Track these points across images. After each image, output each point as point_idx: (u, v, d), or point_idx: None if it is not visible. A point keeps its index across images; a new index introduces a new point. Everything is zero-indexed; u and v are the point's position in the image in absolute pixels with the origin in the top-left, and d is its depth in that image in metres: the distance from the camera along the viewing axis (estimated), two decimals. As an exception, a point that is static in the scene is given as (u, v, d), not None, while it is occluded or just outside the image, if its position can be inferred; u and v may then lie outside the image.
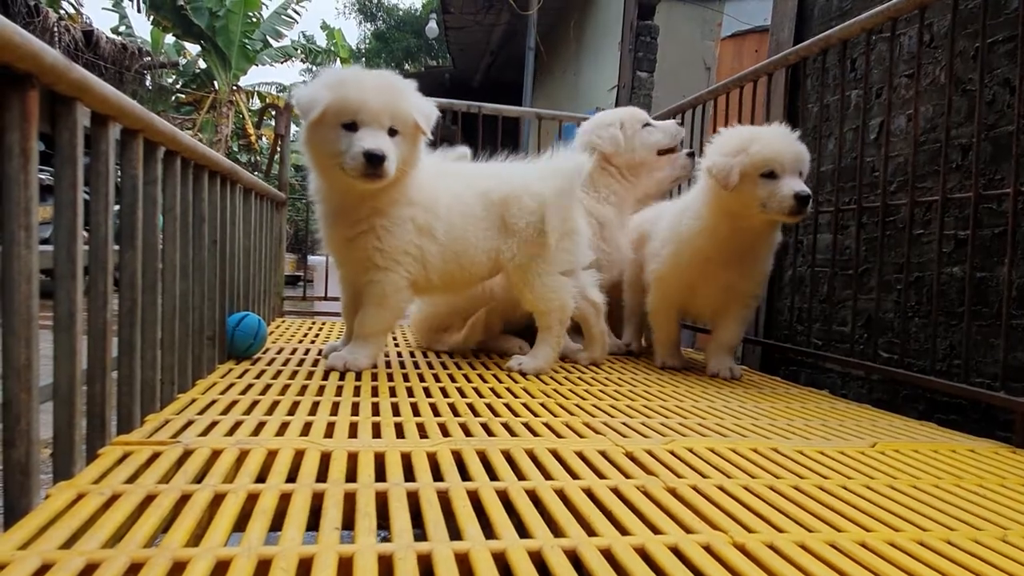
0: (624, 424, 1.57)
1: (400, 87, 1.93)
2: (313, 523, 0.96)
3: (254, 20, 16.17)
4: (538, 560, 0.87)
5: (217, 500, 0.99)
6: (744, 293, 2.36)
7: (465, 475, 1.17)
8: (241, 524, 0.94)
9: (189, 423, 1.37)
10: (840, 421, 1.81)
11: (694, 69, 7.65)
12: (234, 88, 16.52)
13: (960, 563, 0.94)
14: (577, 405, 1.75)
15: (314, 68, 23.66)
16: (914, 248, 2.58)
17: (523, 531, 0.96)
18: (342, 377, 1.92)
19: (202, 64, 17.13)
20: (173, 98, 17.31)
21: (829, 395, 2.31)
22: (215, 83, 16.62)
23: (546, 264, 2.17)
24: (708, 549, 0.92)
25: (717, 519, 1.03)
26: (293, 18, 16.68)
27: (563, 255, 2.21)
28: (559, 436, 1.44)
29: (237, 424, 1.38)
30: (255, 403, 1.57)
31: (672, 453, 1.36)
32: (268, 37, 16.69)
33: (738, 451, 1.41)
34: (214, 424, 1.37)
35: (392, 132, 1.87)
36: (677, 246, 2.37)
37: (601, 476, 1.20)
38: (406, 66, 22.99)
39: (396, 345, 2.67)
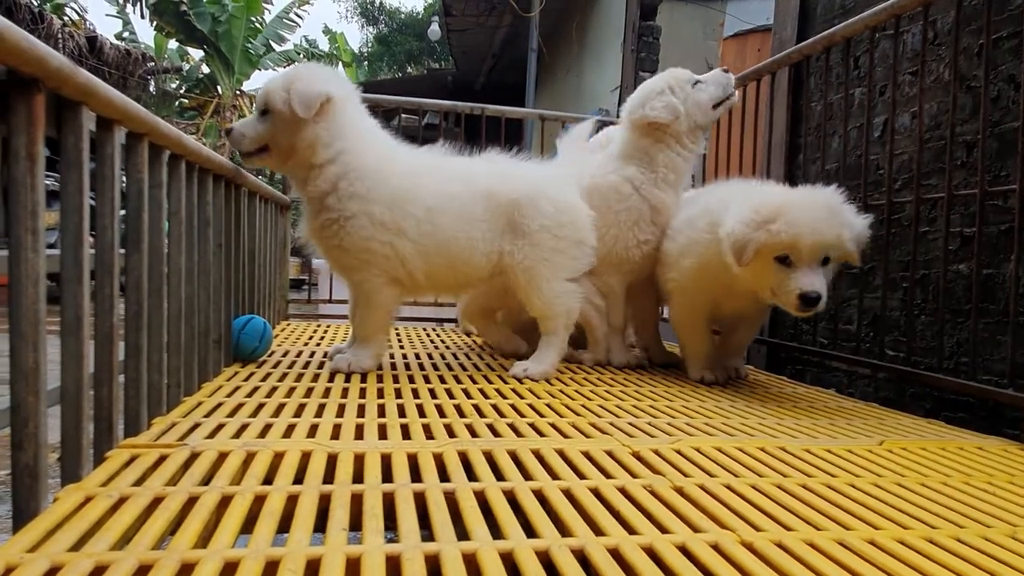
0: (630, 424, 1.57)
1: (288, 72, 2.04)
2: (320, 525, 0.96)
3: (257, 25, 16.22)
4: (546, 560, 0.87)
5: (224, 502, 1.00)
6: (766, 304, 2.18)
7: (472, 476, 1.17)
8: (248, 526, 0.94)
9: (196, 426, 1.37)
10: (847, 420, 1.80)
11: (697, 69, 7.62)
12: (237, 93, 16.57)
13: (970, 560, 0.93)
14: (583, 406, 1.75)
15: (317, 72, 23.70)
16: (920, 245, 2.57)
17: (530, 531, 0.96)
18: (347, 379, 1.92)
19: (205, 69, 17.18)
20: (176, 103, 17.36)
21: (836, 394, 2.30)
22: (218, 88, 16.66)
23: (554, 269, 2.16)
24: (716, 548, 0.92)
25: (725, 518, 1.02)
26: (295, 22, 16.73)
27: (571, 262, 2.20)
28: (565, 436, 1.44)
29: (244, 426, 1.38)
30: (261, 405, 1.57)
31: (679, 453, 1.36)
32: (271, 41, 16.74)
33: (745, 450, 1.40)
34: (220, 427, 1.38)
35: (263, 112, 2.00)
36: (697, 261, 2.15)
37: (608, 476, 1.19)
38: (409, 69, 23.05)
39: (401, 347, 2.68)
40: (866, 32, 2.38)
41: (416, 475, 1.16)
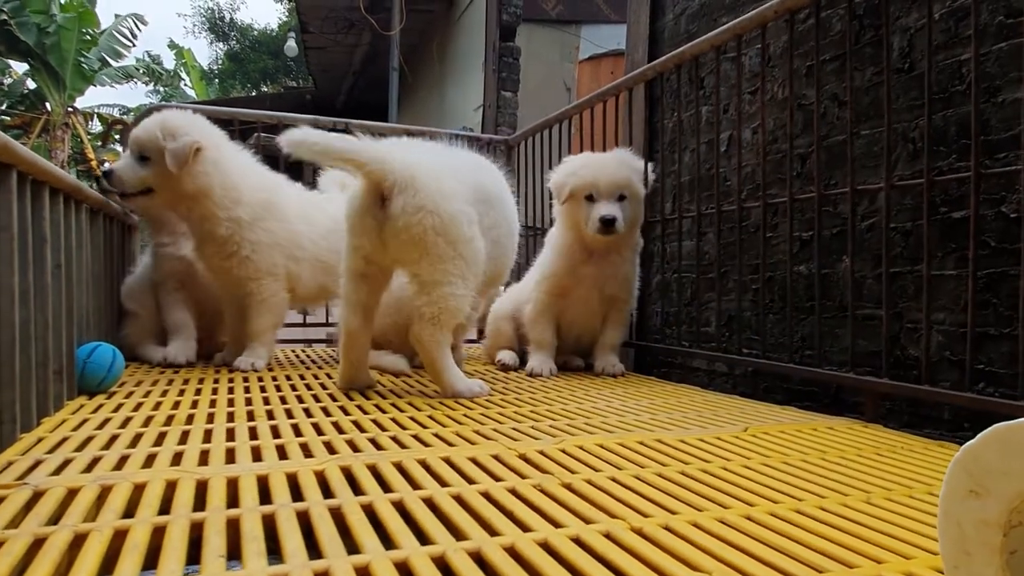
0: (514, 429, 1.58)
1: (159, 121, 2.33)
2: (194, 555, 0.88)
3: (90, 38, 15.00)
4: (442, 565, 0.85)
5: (78, 541, 0.89)
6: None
7: (357, 490, 1.12)
8: (110, 564, 0.85)
9: (37, 463, 1.23)
10: (714, 411, 1.90)
11: (555, 90, 7.93)
12: (70, 110, 15.21)
13: (835, 526, 1.01)
14: (465, 415, 1.74)
15: (161, 90, 22.31)
16: (766, 249, 2.78)
17: (424, 539, 0.93)
18: (213, 404, 1.80)
19: (31, 84, 15.65)
20: (-3, 121, 15.68)
21: (701, 389, 2.44)
22: (47, 104, 15.22)
23: None
24: (609, 536, 0.94)
25: (614, 508, 1.04)
26: (128, 39, 15.61)
27: None
28: (450, 445, 1.41)
29: (96, 460, 1.25)
30: (115, 437, 1.43)
31: (564, 452, 1.37)
32: (107, 56, 15.53)
33: (626, 444, 1.45)
34: (68, 462, 1.24)
35: (142, 157, 2.38)
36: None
37: (497, 479, 1.19)
38: (264, 88, 22.21)
39: (270, 368, 2.54)
40: (711, 52, 2.56)
41: (297, 494, 1.10)
